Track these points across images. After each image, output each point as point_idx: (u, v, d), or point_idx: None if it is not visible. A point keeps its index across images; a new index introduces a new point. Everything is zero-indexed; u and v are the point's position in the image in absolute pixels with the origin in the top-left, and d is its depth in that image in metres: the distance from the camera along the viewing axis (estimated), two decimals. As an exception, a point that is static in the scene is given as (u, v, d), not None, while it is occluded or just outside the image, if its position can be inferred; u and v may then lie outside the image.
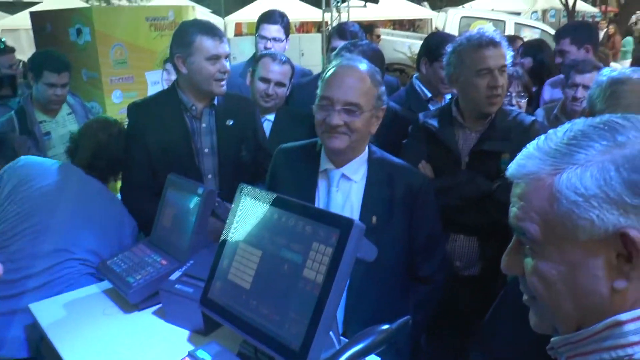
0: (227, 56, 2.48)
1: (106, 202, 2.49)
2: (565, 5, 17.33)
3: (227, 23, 16.33)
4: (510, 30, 12.89)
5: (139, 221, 2.52)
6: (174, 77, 4.47)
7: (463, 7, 17.19)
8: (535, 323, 0.92)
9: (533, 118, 2.51)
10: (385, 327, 1.30)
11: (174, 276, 1.84)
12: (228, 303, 1.56)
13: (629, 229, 0.75)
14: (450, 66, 2.40)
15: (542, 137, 0.86)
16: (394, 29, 18.78)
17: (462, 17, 13.60)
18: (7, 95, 4.14)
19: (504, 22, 13.56)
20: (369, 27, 8.32)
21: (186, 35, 2.41)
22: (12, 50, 4.43)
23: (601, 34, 16.22)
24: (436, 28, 15.03)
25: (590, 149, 0.79)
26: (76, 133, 2.63)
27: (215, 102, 2.55)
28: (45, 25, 5.66)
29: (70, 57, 5.21)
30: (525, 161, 0.85)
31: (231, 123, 2.58)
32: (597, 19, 20.63)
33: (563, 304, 0.83)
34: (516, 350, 1.96)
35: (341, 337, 1.50)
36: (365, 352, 1.27)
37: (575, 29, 3.82)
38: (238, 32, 17.27)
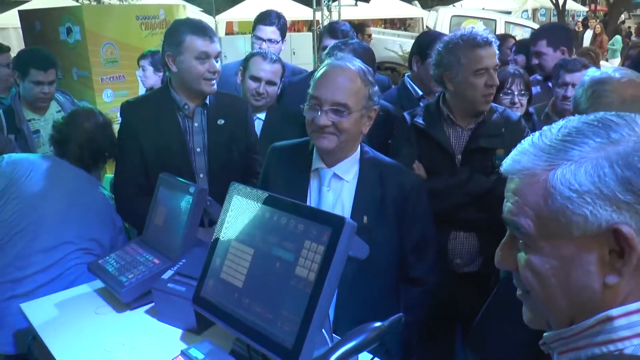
0: (217, 55, 2.47)
1: (95, 189, 2.55)
2: (556, 4, 17.42)
3: (218, 22, 16.28)
4: (500, 29, 12.96)
5: (132, 220, 2.51)
6: (149, 73, 4.47)
7: (454, 6, 17.24)
8: (529, 318, 0.93)
9: (519, 114, 2.56)
10: (378, 324, 1.31)
11: (167, 275, 1.84)
12: (221, 301, 1.56)
13: (621, 225, 0.76)
14: (441, 66, 2.39)
15: (537, 133, 0.87)
16: (385, 27, 18.81)
17: (453, 16, 13.64)
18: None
19: (494, 21, 13.61)
20: (360, 27, 8.32)
21: (176, 34, 2.41)
22: (7, 49, 4.42)
23: (590, 33, 16.34)
24: (427, 27, 15.07)
25: (585, 145, 0.80)
26: (60, 123, 2.63)
27: (208, 101, 2.55)
28: (35, 23, 5.63)
29: (61, 56, 5.20)
30: (520, 157, 0.86)
31: (222, 122, 2.58)
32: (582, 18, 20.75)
33: (556, 298, 0.84)
34: (508, 349, 1.98)
35: (334, 335, 1.50)
36: (358, 349, 1.27)
37: (552, 31, 3.85)
38: (229, 31, 17.24)
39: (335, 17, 11.64)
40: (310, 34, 12.57)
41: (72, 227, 2.37)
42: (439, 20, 13.70)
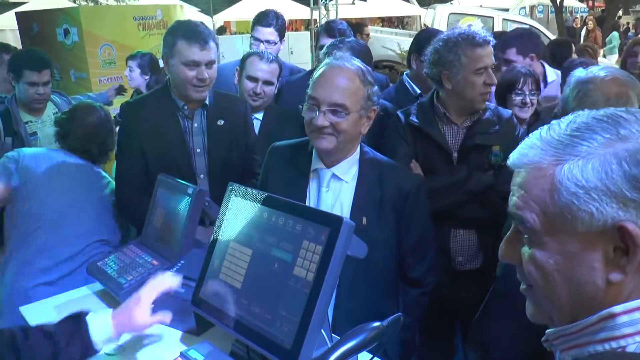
0: (209, 63, 2.42)
1: (101, 181, 2.70)
2: (553, 1, 17.41)
3: (215, 22, 16.28)
4: (498, 27, 12.93)
5: (134, 220, 2.51)
6: (135, 75, 4.46)
7: (451, 3, 17.21)
8: (532, 312, 0.93)
9: (510, 111, 2.58)
10: (377, 324, 1.31)
11: (165, 276, 1.83)
12: (219, 302, 1.56)
13: (627, 222, 0.76)
14: (439, 65, 2.38)
15: (545, 127, 0.87)
16: (382, 26, 18.81)
17: (451, 14, 13.62)
18: None
19: (492, 18, 13.59)
20: (358, 26, 8.31)
21: (170, 36, 2.41)
22: (15, 49, 4.44)
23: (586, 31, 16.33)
24: (424, 25, 15.06)
25: (593, 141, 0.79)
26: (63, 118, 2.73)
27: (207, 102, 2.55)
28: (32, 25, 5.63)
29: (58, 57, 5.20)
30: (527, 150, 0.85)
31: (222, 123, 2.59)
32: (583, 14, 20.76)
33: (559, 294, 0.83)
34: (506, 345, 1.98)
35: (333, 335, 1.50)
36: (357, 349, 1.27)
37: (521, 39, 3.86)
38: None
39: (332, 16, 11.63)
40: (308, 33, 12.58)
41: (90, 218, 2.56)
42: (437, 18, 13.67)
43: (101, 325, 1.50)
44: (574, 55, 4.76)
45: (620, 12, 20.90)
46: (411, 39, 3.37)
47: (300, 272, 1.38)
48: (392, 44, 12.59)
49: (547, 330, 0.89)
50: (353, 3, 13.52)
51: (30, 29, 5.63)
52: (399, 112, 2.52)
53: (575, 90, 1.88)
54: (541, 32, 12.21)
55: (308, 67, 4.25)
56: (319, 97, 1.86)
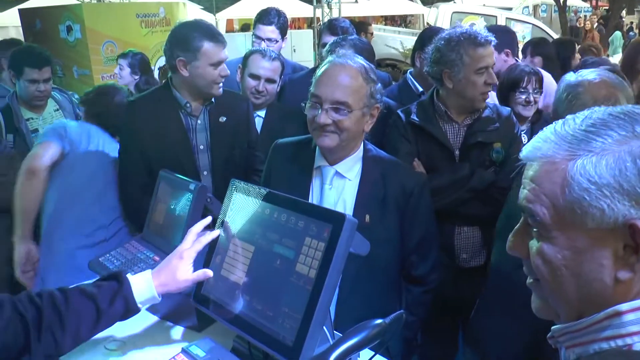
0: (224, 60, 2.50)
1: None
2: (556, 0, 17.37)
3: (218, 19, 16.26)
4: (501, 25, 12.91)
5: (136, 218, 2.51)
6: (125, 74, 4.45)
7: (454, 2, 17.19)
8: (538, 307, 0.92)
9: (509, 109, 2.59)
10: (379, 321, 1.30)
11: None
12: (221, 299, 1.56)
13: (638, 221, 0.75)
14: (441, 63, 2.39)
15: (560, 121, 0.86)
16: (385, 24, 18.79)
17: (454, 13, 13.60)
18: None
19: (495, 17, 13.57)
20: (362, 25, 8.30)
21: (192, 40, 2.40)
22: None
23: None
24: (427, 24, 15.04)
25: (608, 137, 0.78)
26: (91, 97, 2.95)
27: (213, 99, 2.57)
28: (35, 22, 5.63)
29: (61, 54, 5.20)
30: (541, 144, 0.85)
31: (224, 120, 2.59)
32: (586, 14, 20.71)
33: (565, 289, 0.83)
34: (502, 342, 1.98)
35: (335, 332, 1.50)
36: (359, 346, 1.27)
37: (495, 35, 3.88)
38: (229, 29, 17.21)
39: (335, 14, 11.61)
40: (311, 31, 12.57)
41: (115, 193, 2.71)
42: (440, 16, 13.66)
43: (142, 284, 1.50)
44: (577, 55, 4.75)
45: (624, 12, 20.84)
46: (414, 38, 3.38)
47: (303, 269, 1.38)
48: (395, 42, 12.57)
49: (552, 327, 0.88)
50: (356, 1, 13.50)
51: (33, 26, 5.63)
52: (399, 111, 2.53)
53: (564, 93, 1.90)
54: (544, 31, 12.22)
55: (310, 65, 4.25)
56: (321, 95, 1.85)
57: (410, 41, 10.73)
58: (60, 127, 2.78)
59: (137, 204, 2.47)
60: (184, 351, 1.59)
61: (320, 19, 11.87)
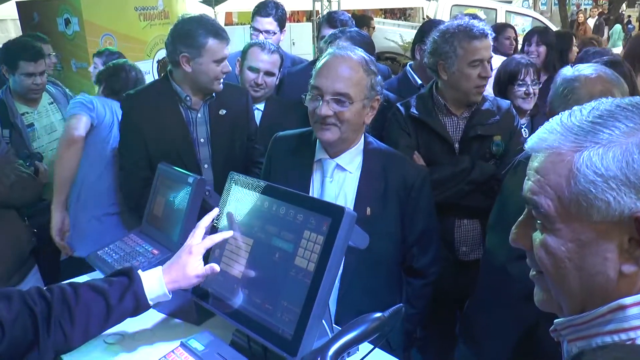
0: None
1: None
2: (556, -7, 17.33)
3: (217, 12, 16.20)
4: (501, 18, 12.88)
5: (138, 211, 2.52)
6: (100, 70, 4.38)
7: (454, -6, 17.12)
8: (540, 299, 0.91)
9: (509, 102, 2.58)
10: (378, 315, 1.30)
11: (166, 266, 1.83)
12: (220, 292, 1.56)
13: None
14: (437, 55, 2.39)
15: (567, 112, 0.85)
16: (384, 17, 18.73)
17: (454, 5, 13.55)
18: None
19: (495, 10, 13.53)
20: (364, 19, 8.25)
21: (197, 37, 2.41)
22: (49, 40, 4.45)
23: (591, 22, 16.27)
24: (427, 17, 14.99)
25: (615, 129, 0.77)
26: (109, 73, 3.15)
27: (213, 95, 2.58)
28: (33, 15, 5.59)
29: (59, 47, 5.16)
30: (547, 135, 0.84)
31: (224, 112, 2.60)
32: (586, 7, 20.66)
33: (569, 281, 0.82)
34: (495, 336, 1.98)
35: (334, 325, 1.50)
36: (358, 339, 1.26)
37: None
38: (228, 22, 17.16)
39: (335, 7, 11.56)
40: (310, 24, 12.53)
41: None
42: (439, 9, 13.60)
43: (153, 280, 1.49)
44: (574, 48, 4.73)
45: (624, 5, 20.78)
46: (414, 31, 3.37)
47: (302, 262, 1.37)
48: (394, 35, 12.53)
49: (555, 320, 0.88)
50: (355, -6, 13.44)
51: (31, 19, 5.59)
52: (398, 105, 2.52)
53: (560, 87, 1.90)
54: (544, 24, 12.17)
55: (310, 58, 4.23)
56: (322, 87, 1.84)
57: (409, 34, 10.71)
58: (87, 101, 2.96)
59: (139, 197, 2.46)
60: (183, 345, 1.59)
61: (320, 12, 11.82)
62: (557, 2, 18.47)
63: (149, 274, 1.51)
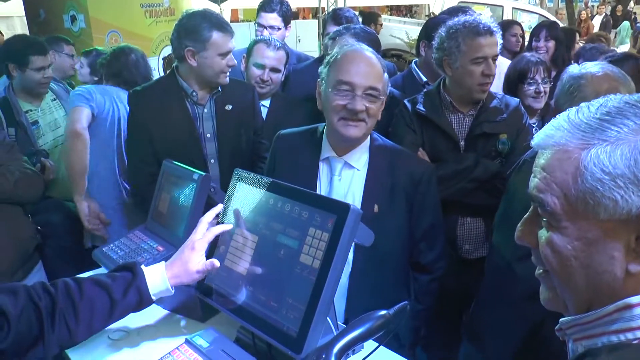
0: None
1: None
2: (564, -10, 17.24)
3: (223, 9, 16.20)
4: (508, 15, 12.84)
5: (145, 206, 2.53)
6: (84, 72, 4.43)
7: (460, -8, 17.05)
8: (546, 298, 0.90)
9: (517, 100, 2.56)
10: (383, 312, 1.29)
11: (171, 263, 1.83)
12: (225, 289, 1.56)
13: None
14: (442, 51, 2.39)
15: (574, 109, 0.83)
16: (390, 14, 18.69)
17: (460, 2, 13.51)
18: None
19: (501, 7, 13.49)
20: (372, 16, 8.21)
21: (201, 30, 2.43)
22: (72, 42, 4.49)
23: (599, 19, 16.17)
24: (432, 13, 14.94)
25: (623, 126, 0.76)
26: (108, 59, 3.24)
27: (219, 88, 2.59)
28: (39, 12, 5.60)
29: (65, 43, 5.15)
30: (554, 132, 0.82)
31: (230, 108, 2.62)
32: (594, 4, 20.53)
33: (575, 280, 0.81)
34: (501, 336, 1.98)
35: (339, 323, 1.49)
36: (364, 337, 1.26)
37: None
38: (234, 19, 17.18)
39: (340, 4, 11.54)
40: (316, 21, 12.51)
41: None
42: (445, 6, 13.55)
43: (156, 275, 1.50)
44: (578, 45, 4.70)
45: (632, 3, 20.66)
46: (419, 28, 3.35)
47: (307, 260, 1.37)
48: (400, 32, 12.52)
49: (560, 319, 0.87)
50: (361, -9, 13.42)
51: (38, 16, 5.61)
52: (405, 101, 2.52)
53: (567, 85, 1.89)
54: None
55: (315, 55, 4.23)
56: (354, 82, 1.82)
57: (415, 31, 10.67)
58: (84, 92, 3.04)
59: (147, 192, 2.47)
60: (188, 342, 1.59)
61: (325, 8, 11.81)
62: (564, -1, 18.39)
63: (152, 269, 1.51)
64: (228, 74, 2.55)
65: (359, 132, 1.86)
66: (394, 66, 3.73)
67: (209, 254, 1.62)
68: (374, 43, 2.79)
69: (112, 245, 2.09)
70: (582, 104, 0.83)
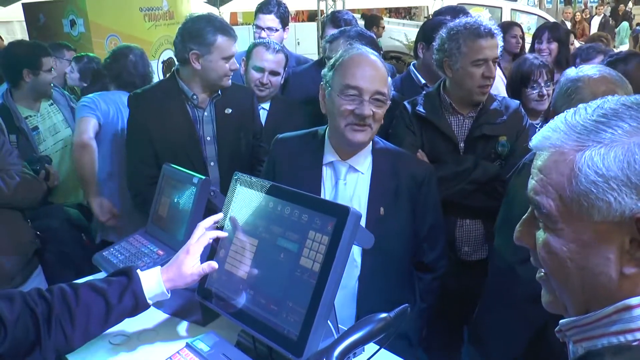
0: None
1: None
2: (562, -9, 17.27)
3: (222, 13, 16.22)
4: (506, 17, 12.84)
5: (144, 209, 2.54)
6: (74, 76, 4.43)
7: (459, -7, 17.07)
8: (547, 301, 0.90)
9: (518, 102, 2.56)
10: (384, 315, 1.29)
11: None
12: (225, 293, 1.56)
13: None
14: (443, 52, 2.39)
15: (571, 110, 0.83)
16: (389, 16, 18.71)
17: (459, 4, 13.53)
18: None
19: (500, 8, 13.49)
20: (374, 19, 8.19)
21: (206, 34, 2.46)
22: (74, 48, 4.52)
23: (597, 20, 16.18)
24: (430, 15, 14.95)
25: (618, 128, 0.76)
26: (108, 62, 3.32)
27: (220, 92, 2.61)
28: (39, 16, 5.61)
29: (65, 48, 5.16)
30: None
31: (230, 111, 2.63)
32: (593, 5, 20.56)
33: (571, 281, 0.81)
34: (504, 339, 1.97)
35: (340, 326, 1.49)
36: (364, 340, 1.26)
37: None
38: (233, 22, 17.18)
39: (339, 7, 11.55)
40: (315, 24, 12.53)
41: None
42: (444, 8, 13.58)
43: (152, 279, 1.50)
44: (572, 46, 4.69)
45: (631, 3, 20.68)
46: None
47: (307, 263, 1.37)
48: (399, 34, 12.52)
49: (560, 321, 0.87)
50: (360, -7, 13.44)
51: (37, 20, 5.62)
52: (405, 103, 2.52)
53: (564, 87, 1.90)
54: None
55: (315, 58, 4.23)
56: (362, 86, 1.82)
57: (414, 33, 10.69)
58: (89, 102, 3.14)
59: (146, 194, 2.48)
60: (189, 346, 1.59)
61: (325, 11, 11.82)
62: (562, 0, 18.40)
63: (148, 273, 1.52)
64: (230, 77, 2.58)
65: (366, 137, 1.87)
66: (393, 68, 3.74)
67: (210, 258, 1.62)
68: (372, 45, 2.79)
69: (112, 249, 2.09)
70: (580, 105, 0.83)
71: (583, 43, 5.72)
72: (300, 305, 1.35)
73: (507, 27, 4.56)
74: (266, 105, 3.03)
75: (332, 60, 1.94)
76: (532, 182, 0.84)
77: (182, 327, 1.77)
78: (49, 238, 2.85)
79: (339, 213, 1.34)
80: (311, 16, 16.33)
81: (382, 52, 3.06)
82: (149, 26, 5.74)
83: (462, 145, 2.44)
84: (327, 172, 1.96)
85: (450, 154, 2.42)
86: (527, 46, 4.75)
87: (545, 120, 3.00)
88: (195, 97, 2.56)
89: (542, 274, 0.88)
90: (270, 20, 3.59)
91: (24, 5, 6.15)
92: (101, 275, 2.08)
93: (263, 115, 2.99)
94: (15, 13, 11.48)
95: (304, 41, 11.39)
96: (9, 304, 1.33)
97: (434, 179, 2.05)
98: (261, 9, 3.64)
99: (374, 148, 1.98)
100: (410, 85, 3.06)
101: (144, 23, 5.69)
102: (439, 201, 2.10)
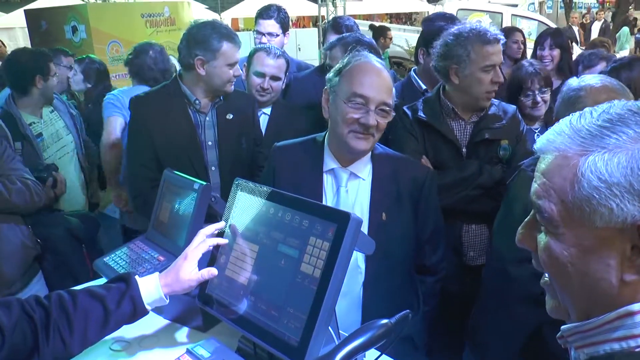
0: None
1: None
2: (563, -4, 17.29)
3: (223, 19, 16.28)
4: (507, 22, 12.87)
5: (144, 212, 2.54)
6: (77, 79, 4.46)
7: (460, -1, 17.12)
8: (551, 307, 0.90)
9: (514, 107, 2.57)
10: (385, 321, 1.29)
11: (172, 273, 1.82)
12: (226, 299, 1.55)
13: None
14: (450, 59, 2.37)
15: (577, 114, 0.83)
16: (390, 22, 18.76)
17: (459, 10, 13.55)
18: None
19: (501, 14, 13.52)
20: (382, 29, 8.14)
21: (212, 41, 2.48)
22: (73, 54, 4.57)
23: (598, 25, 16.20)
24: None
25: (623, 134, 0.75)
26: (130, 58, 3.49)
27: (221, 97, 2.63)
28: (41, 23, 5.65)
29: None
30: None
31: (231, 117, 2.65)
32: (593, 10, 20.59)
33: (572, 286, 0.81)
34: (500, 340, 1.97)
35: (341, 332, 1.49)
36: (365, 346, 1.25)
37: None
38: (234, 28, 17.23)
39: (340, 13, 11.60)
40: (316, 29, 12.56)
41: None
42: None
43: (150, 285, 1.50)
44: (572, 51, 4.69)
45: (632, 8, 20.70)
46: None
47: (307, 269, 1.36)
48: (400, 40, 12.52)
49: (562, 327, 0.87)
50: (361, -1, 13.48)
51: (39, 27, 5.65)
52: (405, 108, 2.51)
53: (567, 97, 1.91)
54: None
55: (316, 64, 4.25)
56: (369, 96, 1.81)
57: (415, 39, 10.72)
58: (114, 99, 3.34)
59: (146, 196, 2.49)
60: (189, 352, 1.58)
61: (326, 17, 11.86)
62: (562, 5, 18.42)
63: (147, 279, 1.51)
64: (233, 83, 2.60)
65: (368, 145, 1.87)
66: (394, 74, 3.74)
67: (210, 264, 1.62)
68: (374, 51, 2.80)
69: (113, 255, 2.09)
70: (586, 109, 0.83)
71: (584, 49, 5.73)
72: (301, 311, 1.34)
73: (509, 33, 4.55)
74: (268, 110, 3.03)
75: (338, 65, 1.93)
76: (534, 186, 0.84)
77: (183, 333, 1.77)
78: (49, 247, 2.84)
79: (340, 219, 1.34)
80: (315, 22, 16.37)
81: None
82: (151, 32, 5.76)
83: (464, 150, 2.44)
84: (328, 180, 1.96)
85: (453, 159, 2.42)
86: (529, 52, 4.74)
87: (546, 125, 3.01)
88: (197, 102, 2.58)
89: (546, 279, 0.88)
90: (270, 25, 3.61)
91: (26, 11, 6.18)
92: (102, 281, 2.09)
93: (264, 120, 2.99)
94: (17, 19, 11.55)
95: (305, 47, 11.42)
96: (7, 311, 1.33)
97: (434, 182, 2.05)
98: (261, 15, 3.66)
99: (373, 154, 1.99)
100: (411, 91, 3.06)
101: (145, 29, 5.72)
102: (438, 204, 2.10)
